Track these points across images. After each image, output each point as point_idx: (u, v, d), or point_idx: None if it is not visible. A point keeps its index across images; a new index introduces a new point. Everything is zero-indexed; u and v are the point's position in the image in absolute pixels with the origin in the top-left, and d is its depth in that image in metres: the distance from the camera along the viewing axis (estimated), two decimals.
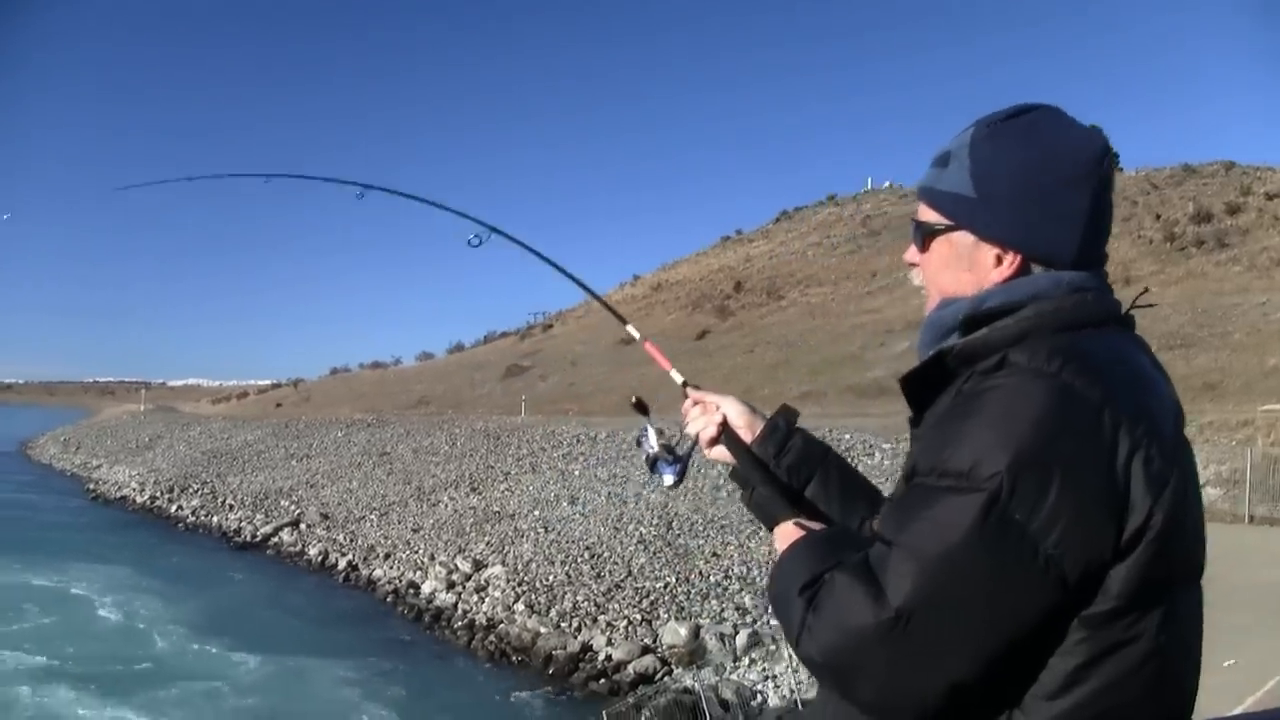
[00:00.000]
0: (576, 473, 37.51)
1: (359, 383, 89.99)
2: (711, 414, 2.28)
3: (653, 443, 2.39)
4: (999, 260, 1.76)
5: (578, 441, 42.37)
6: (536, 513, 33.16)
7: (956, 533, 1.48)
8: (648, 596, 24.20)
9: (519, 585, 26.57)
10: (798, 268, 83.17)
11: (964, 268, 1.80)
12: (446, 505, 36.77)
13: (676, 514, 29.83)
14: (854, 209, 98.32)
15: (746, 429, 2.26)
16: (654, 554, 26.93)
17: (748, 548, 26.10)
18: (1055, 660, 1.55)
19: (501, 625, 24.63)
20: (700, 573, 25.06)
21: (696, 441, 2.31)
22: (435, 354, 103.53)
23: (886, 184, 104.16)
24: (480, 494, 37.49)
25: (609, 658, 21.70)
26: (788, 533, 1.88)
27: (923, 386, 1.76)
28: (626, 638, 22.19)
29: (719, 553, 26.18)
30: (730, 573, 24.74)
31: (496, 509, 34.73)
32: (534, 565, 27.82)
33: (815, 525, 1.92)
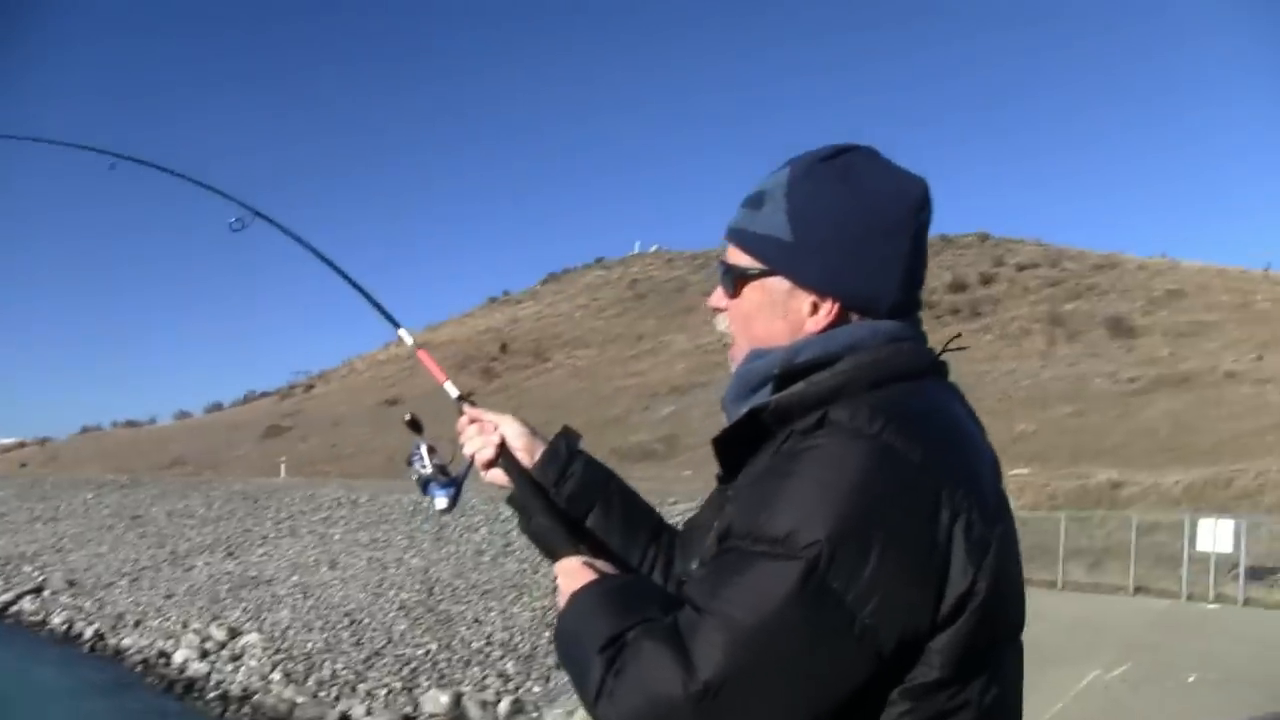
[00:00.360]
0: (337, 536, 36.93)
1: (112, 441, 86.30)
2: (489, 433, 2.14)
3: (426, 462, 2.23)
4: (815, 308, 1.69)
5: (338, 504, 41.67)
6: (295, 578, 32.46)
7: (771, 602, 1.40)
8: (409, 664, 24.00)
9: (276, 653, 25.94)
10: (564, 330, 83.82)
11: (778, 315, 1.72)
12: (201, 570, 35.61)
13: (438, 579, 29.72)
14: (621, 272, 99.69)
15: (525, 451, 2.12)
16: (415, 620, 26.73)
17: (510, 613, 26.19)
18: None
19: (257, 695, 23.94)
20: (462, 639, 25.01)
21: (472, 463, 2.17)
22: (193, 413, 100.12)
23: (654, 247, 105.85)
24: (237, 558, 36.49)
25: None
26: (572, 570, 1.77)
27: (735, 445, 1.69)
28: (386, 706, 21.94)
29: (481, 619, 26.17)
30: (493, 639, 24.76)
31: (253, 574, 33.84)
32: (292, 632, 27.23)
33: (602, 565, 1.81)
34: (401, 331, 2.52)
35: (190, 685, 25.62)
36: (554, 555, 1.92)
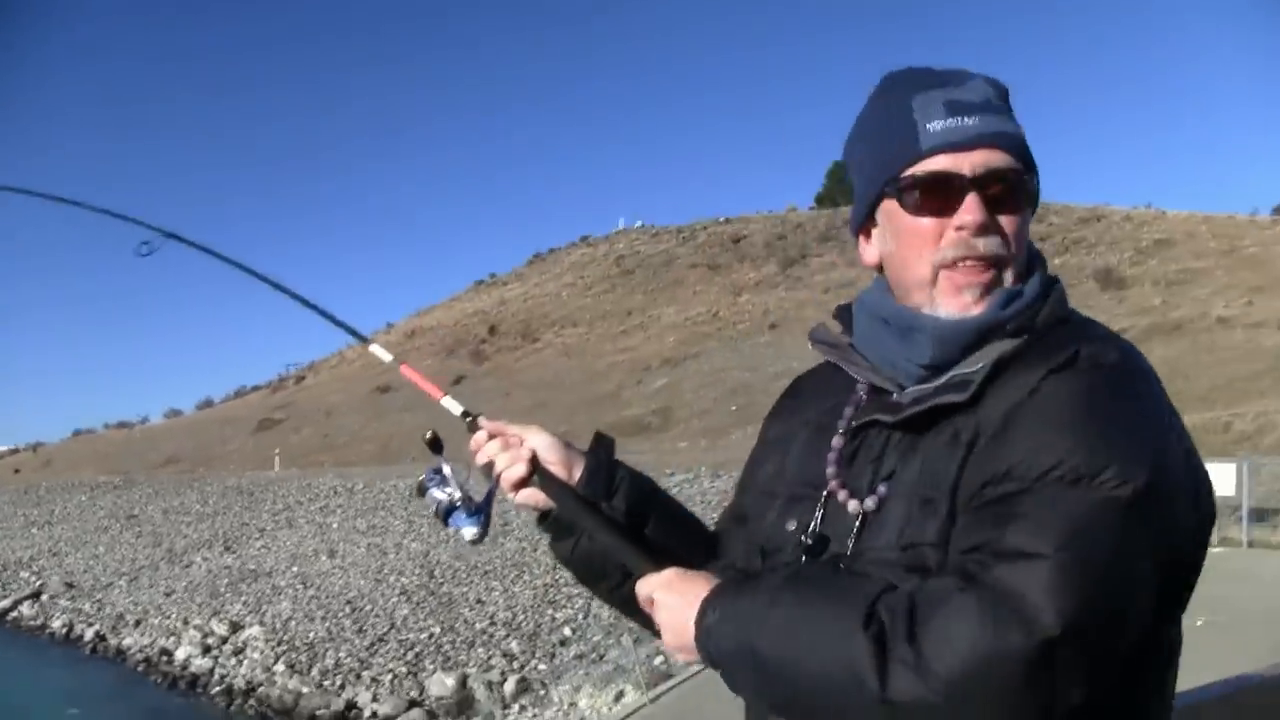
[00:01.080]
0: (334, 525, 36.83)
1: (104, 443, 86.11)
2: (517, 449, 1.87)
3: (451, 486, 1.92)
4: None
5: (334, 493, 41.60)
6: (295, 569, 32.37)
7: (1104, 535, 1.31)
8: (412, 648, 23.93)
9: (278, 645, 25.88)
10: (552, 309, 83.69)
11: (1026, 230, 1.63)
12: (200, 566, 35.50)
13: (438, 562, 29.62)
14: (607, 248, 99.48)
15: (562, 465, 1.87)
16: (417, 604, 26.65)
17: (512, 592, 26.10)
18: (1148, 675, 1.49)
19: (262, 688, 23.92)
20: (465, 621, 24.92)
21: (497, 484, 1.90)
22: (183, 410, 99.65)
23: (638, 223, 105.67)
24: (235, 552, 36.36)
25: (375, 714, 21.33)
26: (676, 584, 1.57)
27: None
28: (392, 692, 21.87)
29: (483, 599, 26.09)
30: (495, 619, 24.67)
31: (253, 567, 33.74)
32: (293, 623, 27.16)
33: (701, 574, 1.59)
34: (374, 347, 2.21)
35: (194, 681, 25.59)
36: (608, 582, 1.85)
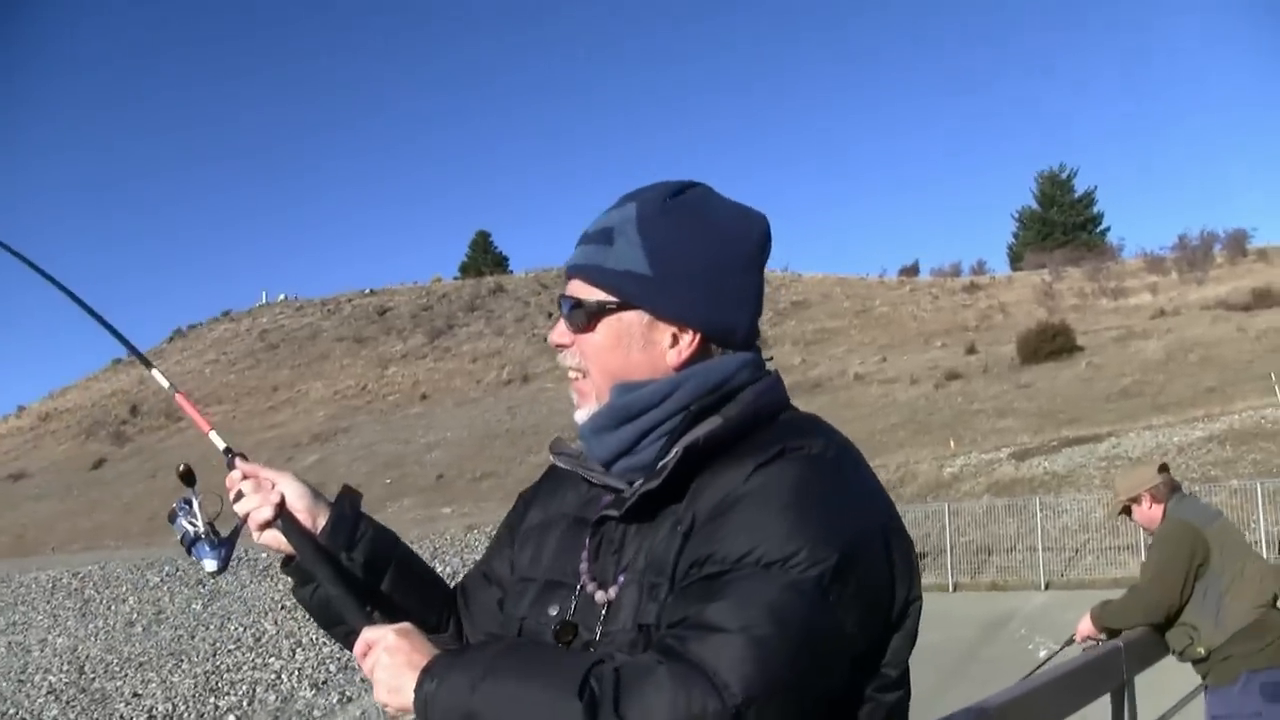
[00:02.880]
0: None
1: None
2: (267, 491, 1.92)
3: (196, 518, 1.95)
4: (675, 339, 1.74)
5: None
6: None
7: (794, 615, 1.44)
8: None
9: None
10: (196, 386, 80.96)
11: (636, 348, 1.75)
12: None
13: (88, 656, 28.75)
14: (250, 323, 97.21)
15: (308, 514, 1.93)
16: (67, 703, 25.81)
17: (170, 682, 25.72)
18: None
19: None
20: (121, 717, 24.39)
21: (244, 523, 1.94)
22: None
23: (281, 296, 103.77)
24: None
25: None
26: (398, 644, 1.59)
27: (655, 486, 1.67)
28: None
29: (140, 692, 25.56)
30: (154, 712, 24.27)
31: None
32: None
33: (421, 637, 1.62)
34: (155, 372, 2.13)
35: None
36: (348, 630, 1.84)
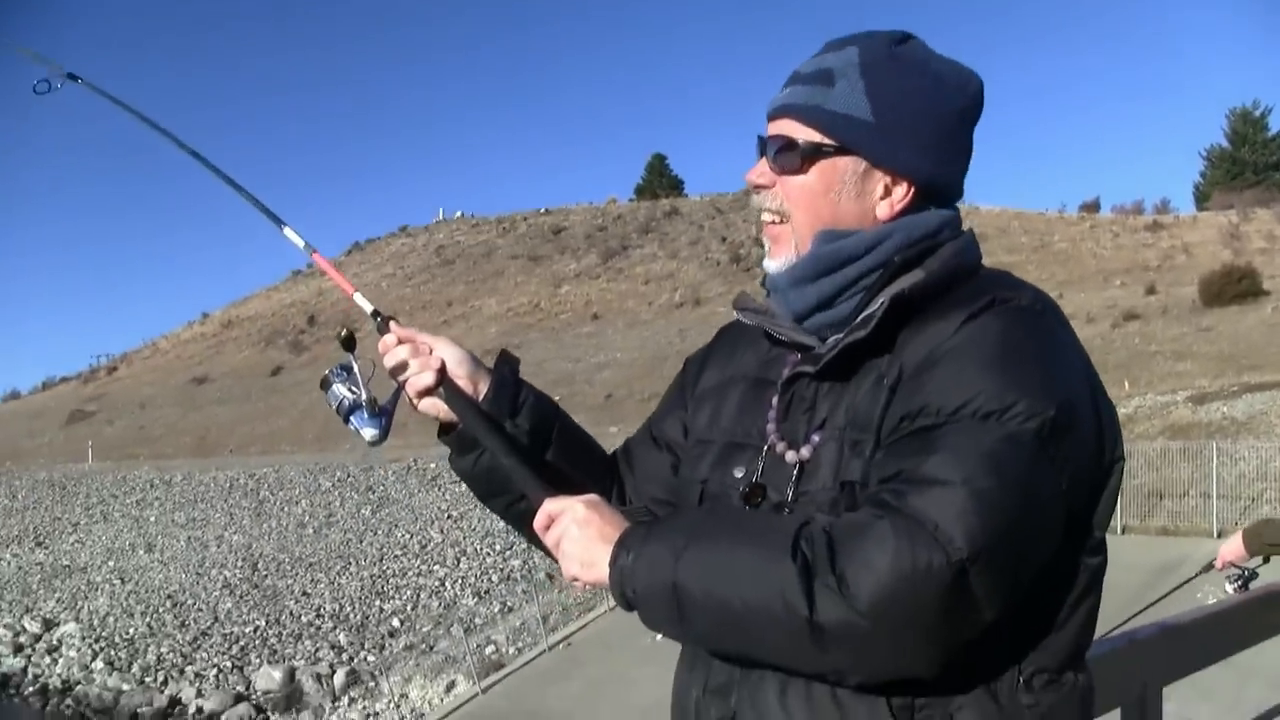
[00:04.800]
0: (152, 519, 36.00)
1: None
2: (426, 357, 1.84)
3: (357, 384, 1.86)
4: (888, 191, 1.65)
5: (151, 486, 40.60)
6: (111, 563, 31.55)
7: (1014, 466, 1.38)
8: (237, 642, 23.66)
9: (96, 642, 25.23)
10: (373, 299, 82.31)
11: (848, 195, 1.65)
12: (9, 563, 34.26)
13: (261, 554, 29.28)
14: (427, 239, 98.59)
15: (469, 380, 1.84)
16: (241, 597, 26.33)
17: (339, 584, 25.97)
18: (1062, 595, 1.55)
19: (79, 686, 23.31)
20: (291, 613, 24.72)
21: (402, 389, 1.86)
22: None
23: (458, 214, 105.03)
24: (47, 548, 35.23)
25: (200, 710, 21.09)
26: (586, 515, 1.55)
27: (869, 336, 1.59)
28: (218, 687, 21.63)
29: (309, 591, 25.91)
30: (322, 611, 24.53)
31: (66, 563, 32.75)
32: (111, 619, 26.51)
33: (610, 508, 1.59)
34: (288, 230, 2.02)
35: (5, 681, 24.66)
36: (506, 497, 1.82)
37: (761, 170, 1.70)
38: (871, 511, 1.38)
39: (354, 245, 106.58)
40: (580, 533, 1.53)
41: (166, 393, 68.05)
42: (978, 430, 1.40)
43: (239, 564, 28.89)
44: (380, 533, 30.37)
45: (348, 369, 1.88)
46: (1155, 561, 18.15)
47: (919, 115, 1.63)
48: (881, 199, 1.65)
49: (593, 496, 1.58)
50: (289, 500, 34.57)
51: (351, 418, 1.86)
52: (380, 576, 25.91)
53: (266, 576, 27.59)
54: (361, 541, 28.78)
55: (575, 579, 1.53)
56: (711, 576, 1.41)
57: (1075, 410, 1.46)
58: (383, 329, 1.87)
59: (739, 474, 1.67)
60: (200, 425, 55.42)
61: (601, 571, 1.48)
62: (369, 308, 1.89)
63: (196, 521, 34.29)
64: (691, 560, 1.42)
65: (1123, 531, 21.76)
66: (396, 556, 28.15)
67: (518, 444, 1.80)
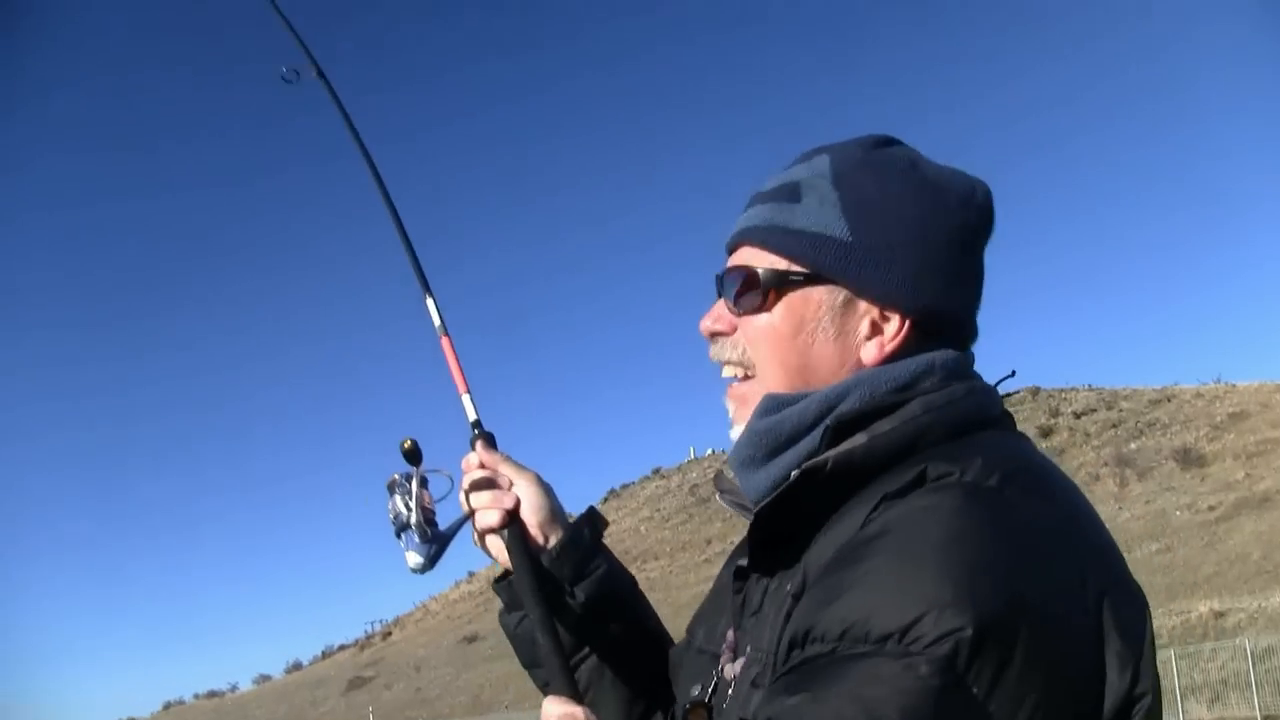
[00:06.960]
0: None
1: (195, 714, 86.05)
2: (502, 491, 1.63)
3: (413, 501, 1.65)
4: (875, 329, 1.36)
5: None
6: None
7: (914, 711, 1.05)
8: None
9: None
10: (632, 545, 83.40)
11: (827, 335, 1.36)
12: None
13: None
14: (680, 479, 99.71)
15: (540, 529, 1.63)
16: None
17: None
18: None
19: None
20: None
21: (468, 520, 1.67)
22: (272, 675, 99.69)
23: (709, 451, 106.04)
24: None
25: None
26: None
27: (777, 521, 1.31)
28: None
29: None
30: None
31: None
32: None
33: None
34: (429, 302, 1.81)
35: None
36: (541, 682, 1.62)
37: (718, 314, 1.44)
38: None
39: (610, 492, 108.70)
40: None
41: (440, 653, 69.51)
42: (868, 662, 1.08)
43: None
44: None
45: (414, 480, 1.66)
46: None
47: (910, 229, 1.34)
48: (868, 338, 1.36)
49: (582, 714, 1.42)
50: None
51: (402, 535, 1.67)
52: None
53: None
54: None
55: None
56: None
57: (1022, 621, 1.08)
58: (473, 443, 1.69)
59: (695, 692, 1.45)
60: (475, 684, 56.25)
61: None
62: (472, 415, 1.72)
63: None
64: None
65: None
66: None
67: (568, 614, 1.61)
